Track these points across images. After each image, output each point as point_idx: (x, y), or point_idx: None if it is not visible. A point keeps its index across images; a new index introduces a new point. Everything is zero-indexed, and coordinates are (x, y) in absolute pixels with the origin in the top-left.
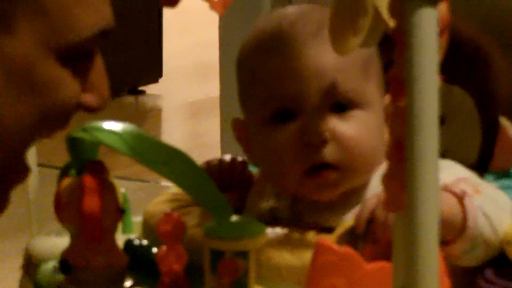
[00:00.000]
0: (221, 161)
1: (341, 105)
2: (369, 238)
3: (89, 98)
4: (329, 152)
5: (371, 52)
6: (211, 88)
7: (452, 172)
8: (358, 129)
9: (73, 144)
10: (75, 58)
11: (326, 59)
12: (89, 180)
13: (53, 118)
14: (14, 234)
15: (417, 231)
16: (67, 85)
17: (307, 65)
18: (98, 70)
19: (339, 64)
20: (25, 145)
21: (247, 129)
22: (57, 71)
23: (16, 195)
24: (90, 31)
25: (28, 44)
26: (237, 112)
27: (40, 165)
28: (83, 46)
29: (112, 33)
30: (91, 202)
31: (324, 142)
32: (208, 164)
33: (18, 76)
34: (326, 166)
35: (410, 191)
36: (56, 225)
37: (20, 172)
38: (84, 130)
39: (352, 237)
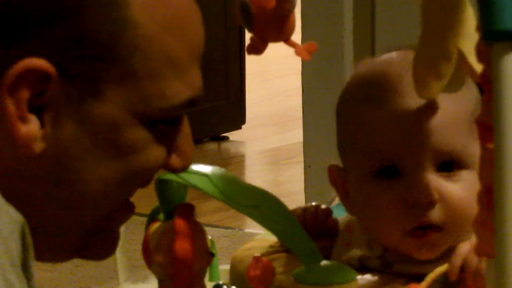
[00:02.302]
0: (305, 210)
1: (449, 164)
2: (460, 286)
3: (174, 161)
4: (436, 214)
5: (477, 106)
6: (292, 135)
7: None
8: (466, 191)
9: (162, 187)
10: (163, 122)
11: (435, 115)
12: (181, 224)
13: (137, 179)
14: (102, 282)
15: (507, 279)
16: (152, 148)
17: (416, 120)
18: (185, 134)
19: (448, 120)
20: (111, 201)
21: (344, 177)
22: (143, 134)
23: None
24: (179, 100)
25: (116, 108)
26: (320, 160)
27: None
28: (171, 113)
29: (199, 101)
30: (184, 246)
31: (431, 203)
32: (293, 212)
33: (104, 138)
34: (431, 226)
35: (498, 237)
36: (143, 272)
37: (123, 213)
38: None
39: (443, 285)
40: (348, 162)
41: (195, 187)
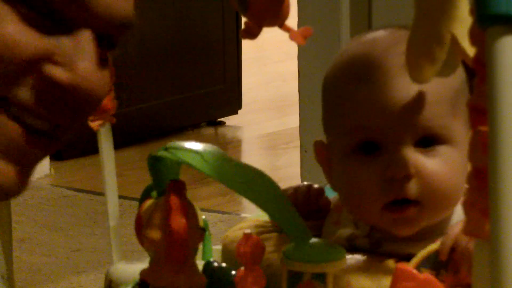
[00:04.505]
0: (296, 189)
1: (428, 140)
2: (450, 266)
3: (55, 71)
4: (412, 188)
5: (461, 87)
6: (289, 120)
7: None
8: (443, 166)
9: (155, 163)
10: (58, 24)
11: (416, 92)
12: (174, 200)
13: (5, 74)
14: (98, 267)
15: (500, 260)
16: (28, 44)
17: (397, 97)
18: (86, 45)
19: (429, 98)
20: None
21: (329, 154)
22: (21, 27)
23: (97, 227)
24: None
25: None
26: None
27: (121, 197)
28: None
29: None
30: (178, 222)
31: (408, 177)
32: (284, 192)
33: None
34: (407, 201)
35: (493, 219)
36: (135, 255)
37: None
38: (166, 149)
39: (432, 264)
40: (331, 138)
41: (186, 163)
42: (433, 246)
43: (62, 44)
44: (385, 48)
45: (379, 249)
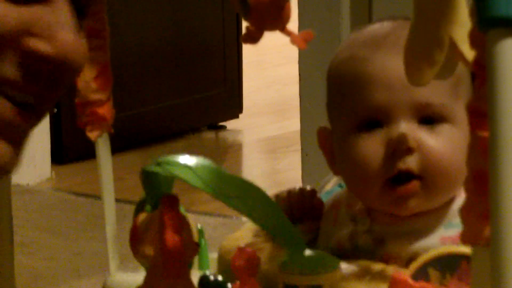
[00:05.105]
0: (289, 192)
1: (430, 118)
2: (457, 273)
3: (35, 43)
4: (414, 161)
5: (463, 72)
6: (290, 124)
7: None
8: (444, 143)
9: (148, 179)
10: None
11: None
12: (168, 216)
13: None
14: (100, 271)
15: (501, 266)
16: (5, 16)
17: (399, 75)
18: (62, 15)
19: None
20: None
21: (331, 138)
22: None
23: (98, 231)
24: None
25: None
26: (317, 148)
27: (121, 201)
28: None
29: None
30: (173, 238)
31: (410, 150)
32: (277, 196)
33: None
34: (409, 178)
35: (494, 225)
36: (134, 261)
37: None
38: (158, 164)
39: (441, 266)
40: (334, 121)
41: (179, 178)
42: (437, 251)
43: (39, 15)
44: (387, 31)
45: (383, 247)
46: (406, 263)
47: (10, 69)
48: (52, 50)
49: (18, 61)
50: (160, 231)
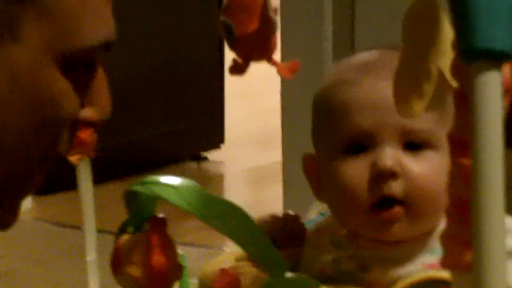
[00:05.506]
0: (273, 216)
1: (415, 144)
2: None
3: (89, 113)
4: (398, 187)
5: (448, 99)
6: (272, 154)
7: None
8: (429, 170)
9: (131, 199)
10: (77, 69)
11: None
12: (156, 237)
13: (53, 133)
14: None
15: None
16: (69, 98)
17: (386, 100)
18: (100, 82)
19: None
20: (27, 157)
21: (317, 164)
22: (62, 83)
23: (74, 260)
24: (95, 39)
25: (34, 51)
26: (299, 179)
27: (102, 231)
28: (87, 55)
29: (112, 45)
30: (160, 259)
31: (394, 175)
32: (261, 221)
33: (23, 84)
34: (393, 203)
35: (476, 252)
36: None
37: (29, 184)
38: (142, 184)
39: None
40: (320, 145)
41: (162, 199)
42: (417, 276)
43: (87, 83)
44: (375, 57)
45: (365, 273)
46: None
47: (63, 145)
48: (99, 117)
49: (69, 132)
50: (147, 251)
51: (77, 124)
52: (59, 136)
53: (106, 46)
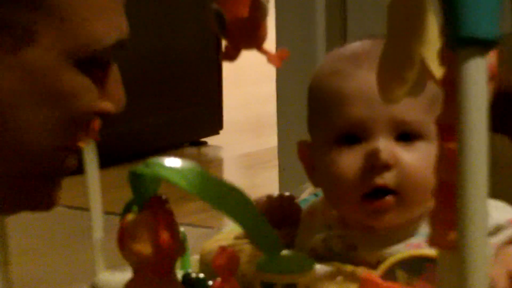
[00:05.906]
0: (269, 197)
1: (407, 135)
2: (425, 275)
3: (106, 105)
4: (391, 177)
5: (438, 90)
6: (268, 140)
7: (506, 212)
8: (421, 160)
9: (135, 180)
10: (93, 66)
11: None
12: (162, 214)
13: (73, 126)
14: (79, 280)
15: (467, 269)
16: (87, 92)
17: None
18: (114, 77)
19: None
20: (52, 152)
21: (311, 151)
22: (78, 79)
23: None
24: (109, 40)
25: (51, 53)
26: (294, 164)
27: (107, 213)
28: (102, 55)
29: (126, 44)
30: (167, 236)
31: (387, 166)
32: (257, 202)
33: (41, 84)
34: (385, 192)
35: (460, 232)
36: (120, 263)
37: (60, 169)
38: (146, 165)
39: (408, 268)
40: (314, 134)
41: (166, 179)
42: (405, 254)
43: (100, 78)
44: (369, 48)
45: (354, 252)
46: (375, 266)
47: (81, 135)
48: (115, 109)
49: (87, 124)
50: (154, 229)
51: (94, 115)
52: (81, 126)
53: (120, 45)
